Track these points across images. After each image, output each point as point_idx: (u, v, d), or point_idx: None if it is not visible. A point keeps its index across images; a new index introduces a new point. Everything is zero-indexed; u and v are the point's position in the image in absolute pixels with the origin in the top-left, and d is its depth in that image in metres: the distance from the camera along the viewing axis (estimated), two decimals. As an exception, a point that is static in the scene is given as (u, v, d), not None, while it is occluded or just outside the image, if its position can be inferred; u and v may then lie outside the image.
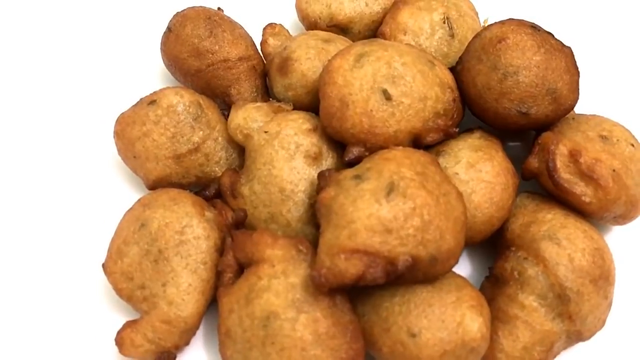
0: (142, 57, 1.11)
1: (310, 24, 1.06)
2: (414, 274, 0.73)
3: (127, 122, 0.91)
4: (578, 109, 0.94)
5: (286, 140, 0.86)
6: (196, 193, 0.91)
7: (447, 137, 0.86)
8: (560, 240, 0.79)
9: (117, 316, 0.85)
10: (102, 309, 0.87)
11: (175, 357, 0.80)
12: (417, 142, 0.85)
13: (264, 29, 1.05)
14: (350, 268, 0.70)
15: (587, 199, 0.81)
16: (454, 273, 0.80)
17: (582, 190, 0.81)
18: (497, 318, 0.80)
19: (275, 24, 1.06)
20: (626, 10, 1.22)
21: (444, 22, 0.98)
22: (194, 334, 0.81)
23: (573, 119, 0.91)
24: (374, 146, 0.83)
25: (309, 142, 0.86)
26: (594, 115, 0.92)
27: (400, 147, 0.81)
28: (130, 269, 0.81)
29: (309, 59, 0.93)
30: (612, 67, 1.14)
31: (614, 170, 0.81)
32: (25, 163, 1.00)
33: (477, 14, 1.06)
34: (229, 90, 0.99)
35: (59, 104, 1.07)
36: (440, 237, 0.72)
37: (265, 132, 0.87)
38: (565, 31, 1.00)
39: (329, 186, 0.78)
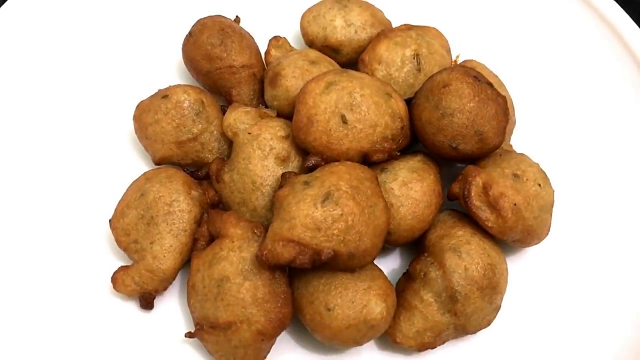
0: (167, 55, 1.34)
1: (308, 41, 1.27)
2: (335, 264, 0.96)
3: (144, 109, 1.14)
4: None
5: (263, 143, 1.08)
6: (191, 172, 1.14)
7: (391, 158, 1.06)
8: (461, 253, 1.00)
9: (117, 261, 1.10)
10: (106, 255, 1.12)
11: (154, 298, 1.05)
12: (365, 158, 1.05)
13: (270, 40, 1.26)
14: (285, 253, 0.93)
15: (490, 224, 1.01)
16: (374, 266, 1.02)
17: (486, 216, 1.01)
18: (402, 306, 1.02)
19: (280, 37, 1.27)
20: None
21: (414, 58, 1.17)
22: (170, 283, 1.06)
23: (500, 155, 1.10)
24: (329, 158, 1.04)
25: (281, 146, 1.08)
26: (520, 154, 1.11)
27: (347, 163, 1.02)
28: (128, 227, 1.05)
29: (294, 77, 1.14)
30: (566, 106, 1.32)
31: (515, 204, 1.01)
32: (59, 135, 1.25)
33: (448, 50, 1.24)
34: (231, 91, 1.21)
35: (93, 89, 1.31)
36: (359, 239, 0.94)
37: (249, 133, 1.09)
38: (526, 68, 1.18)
39: (286, 186, 1.00)
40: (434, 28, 1.24)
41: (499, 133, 1.05)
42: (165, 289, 1.06)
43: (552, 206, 1.08)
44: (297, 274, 1.02)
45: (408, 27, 1.22)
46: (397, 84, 1.16)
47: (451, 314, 0.99)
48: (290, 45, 1.27)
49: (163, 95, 1.14)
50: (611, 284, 1.12)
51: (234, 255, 0.97)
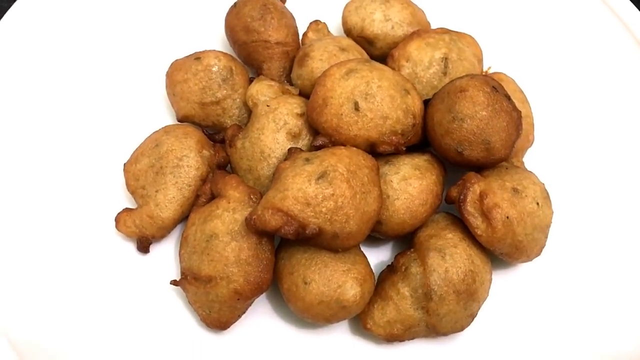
0: (212, 22, 1.39)
1: (347, 29, 1.30)
2: (319, 241, 0.99)
3: (176, 67, 1.21)
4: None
5: (278, 117, 1.12)
6: (208, 134, 1.20)
7: (397, 152, 1.08)
8: (445, 255, 1.01)
9: (127, 205, 1.17)
10: (119, 197, 1.19)
11: (150, 243, 1.11)
12: (372, 148, 1.08)
13: (310, 23, 1.31)
14: (272, 221, 0.97)
15: (479, 232, 1.02)
16: (359, 251, 1.05)
17: (477, 224, 1.03)
18: (378, 294, 1.05)
19: (320, 21, 1.31)
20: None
21: (442, 61, 1.19)
22: (167, 232, 1.12)
23: (506, 168, 1.11)
24: (337, 141, 1.07)
25: (294, 123, 1.12)
26: (527, 171, 1.11)
27: (352, 148, 1.05)
28: (138, 173, 1.12)
29: (321, 60, 1.18)
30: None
31: (507, 217, 1.02)
32: (100, 85, 1.33)
33: (480, 60, 1.25)
34: (262, 65, 1.26)
35: (135, 50, 1.39)
36: (345, 221, 0.97)
37: (268, 105, 1.14)
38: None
39: (288, 159, 1.04)
40: (470, 36, 1.25)
41: (507, 146, 1.06)
42: (162, 237, 1.12)
43: (547, 227, 1.08)
44: (284, 246, 1.06)
45: (444, 31, 1.24)
46: (421, 84, 1.18)
47: (424, 311, 1.01)
48: (328, 31, 1.31)
49: (196, 57, 1.20)
50: (601, 318, 1.12)
51: (227, 216, 1.02)
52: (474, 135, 1.04)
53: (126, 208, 1.12)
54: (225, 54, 1.21)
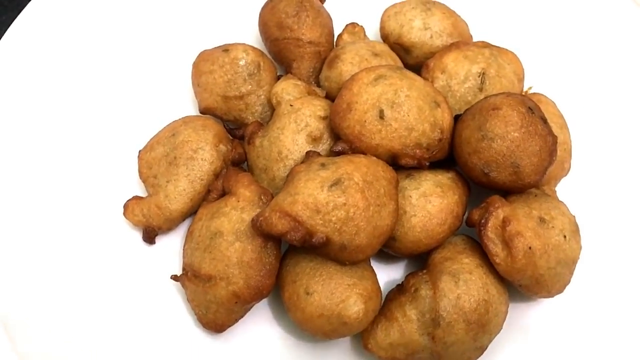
0: (246, 17, 1.34)
1: (384, 35, 1.25)
2: (326, 252, 0.94)
3: (204, 57, 1.17)
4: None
5: (300, 117, 1.08)
6: (229, 129, 1.16)
7: (420, 166, 1.03)
8: (459, 280, 0.95)
9: (138, 192, 1.15)
10: (132, 184, 1.16)
11: (156, 234, 1.08)
12: (394, 160, 1.03)
13: (346, 25, 1.26)
14: (279, 225, 0.92)
15: (498, 260, 0.96)
16: (368, 267, 1.00)
17: (496, 251, 0.96)
18: (384, 314, 0.99)
19: (357, 24, 1.27)
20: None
21: (479, 76, 1.13)
22: (175, 225, 1.08)
23: (535, 195, 1.04)
24: (357, 148, 1.02)
25: (316, 126, 1.07)
26: (558, 201, 1.04)
27: (372, 157, 1.00)
28: (152, 161, 1.09)
29: (351, 63, 1.13)
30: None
31: (530, 248, 0.95)
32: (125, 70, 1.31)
33: (521, 79, 1.18)
34: (292, 63, 1.22)
35: (167, 40, 1.36)
36: (355, 233, 0.92)
37: (291, 105, 1.10)
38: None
39: (304, 162, 1.00)
40: (512, 53, 1.19)
41: (538, 172, 0.99)
42: (169, 229, 1.09)
43: (573, 263, 1.01)
44: (290, 252, 1.01)
45: (485, 45, 1.17)
46: (454, 98, 1.13)
47: (429, 338, 0.95)
48: (365, 35, 1.27)
49: (225, 49, 1.16)
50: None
51: (235, 214, 0.98)
52: (503, 157, 0.98)
53: (136, 196, 1.09)
54: (254, 48, 1.18)
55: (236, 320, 1.00)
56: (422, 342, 0.96)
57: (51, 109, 1.22)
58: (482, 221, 0.98)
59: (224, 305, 0.96)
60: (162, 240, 1.11)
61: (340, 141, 1.03)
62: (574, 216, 1.03)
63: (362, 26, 1.27)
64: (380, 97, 1.01)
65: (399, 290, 1.01)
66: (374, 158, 1.00)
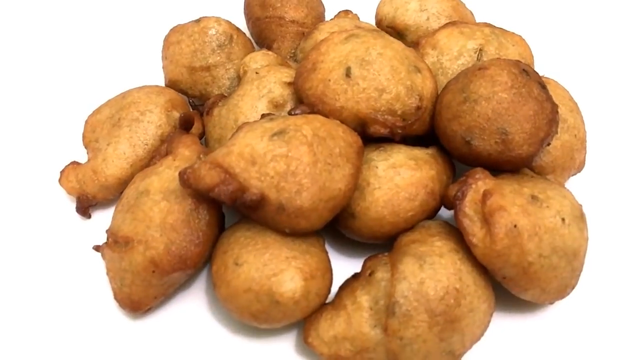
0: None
1: (377, 21, 1.13)
2: (262, 214, 0.78)
3: (175, 30, 1.08)
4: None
5: (264, 84, 0.95)
6: (194, 105, 1.05)
7: (391, 135, 0.87)
8: (424, 263, 0.76)
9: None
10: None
11: (90, 204, 0.95)
12: (363, 129, 0.88)
13: (339, 12, 1.16)
14: (207, 177, 0.78)
15: (474, 240, 0.77)
16: (318, 243, 0.83)
17: (473, 230, 0.77)
18: (332, 303, 0.81)
19: (351, 11, 1.15)
20: None
21: (475, 52, 0.98)
22: (111, 195, 0.95)
23: (532, 177, 0.86)
24: (320, 112, 0.88)
25: (280, 92, 0.94)
26: (562, 187, 0.85)
27: (333, 120, 0.85)
28: (96, 124, 0.98)
29: (329, 32, 1.01)
30: None
31: (515, 226, 0.76)
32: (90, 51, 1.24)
33: (529, 63, 1.02)
34: (272, 44, 1.11)
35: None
36: (296, 192, 0.76)
37: (257, 72, 0.98)
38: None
39: (256, 122, 0.86)
40: (519, 36, 1.03)
41: (532, 141, 0.81)
42: (104, 198, 0.95)
43: (575, 256, 0.80)
44: (231, 225, 0.86)
45: (487, 25, 1.03)
46: (445, 76, 0.97)
47: (382, 331, 0.75)
48: (359, 21, 1.15)
49: (197, 19, 1.07)
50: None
51: (167, 173, 0.85)
52: (488, 120, 0.81)
53: (74, 161, 0.97)
54: (230, 22, 1.08)
55: (155, 299, 0.83)
56: (373, 336, 0.76)
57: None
58: (459, 194, 0.80)
59: (139, 275, 0.80)
60: (98, 214, 0.97)
61: (301, 105, 0.90)
62: (579, 204, 0.83)
63: (356, 14, 1.16)
64: (350, 54, 0.88)
65: (354, 276, 0.83)
66: (336, 121, 0.85)
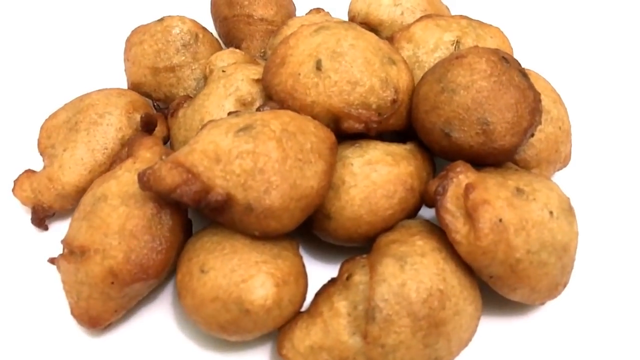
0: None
1: (350, 18, 1.09)
2: (229, 217, 0.72)
3: (137, 30, 1.02)
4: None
5: (231, 82, 0.90)
6: (158, 108, 0.99)
7: (366, 130, 0.82)
8: (406, 264, 0.71)
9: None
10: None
11: (47, 215, 0.88)
12: (336, 125, 0.82)
13: (310, 10, 1.11)
14: (168, 178, 0.72)
15: (458, 237, 0.72)
16: (291, 247, 0.77)
17: (455, 226, 0.72)
18: (308, 310, 0.75)
19: (322, 9, 1.11)
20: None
21: (452, 44, 0.93)
22: (69, 204, 0.88)
23: (516, 170, 0.81)
24: (290, 108, 0.82)
25: (247, 90, 0.89)
26: (548, 180, 0.80)
27: (304, 115, 0.80)
28: (52, 129, 0.91)
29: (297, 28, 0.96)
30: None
31: (500, 220, 0.71)
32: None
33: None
34: (241, 43, 1.06)
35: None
36: (265, 191, 0.71)
37: (223, 71, 0.92)
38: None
39: (221, 118, 0.80)
40: (497, 28, 0.99)
41: (514, 132, 0.77)
42: (62, 207, 0.89)
43: (564, 251, 0.75)
44: (198, 231, 0.80)
45: (463, 17, 0.99)
46: (422, 70, 0.92)
47: (362, 338, 0.69)
48: (331, 17, 1.10)
49: (160, 19, 1.01)
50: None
51: (126, 176, 0.78)
52: (467, 111, 0.77)
53: (28, 169, 0.91)
54: (195, 21, 1.02)
55: (116, 313, 0.77)
56: (352, 345, 0.70)
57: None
58: (439, 189, 0.74)
59: (97, 287, 0.74)
60: (56, 225, 0.90)
61: (270, 101, 0.84)
62: (567, 197, 0.78)
63: (327, 12, 1.11)
64: (320, 46, 0.83)
65: (331, 281, 0.77)
66: (307, 116, 0.80)
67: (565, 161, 0.92)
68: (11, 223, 0.91)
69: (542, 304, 0.79)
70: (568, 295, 0.80)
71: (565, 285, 0.78)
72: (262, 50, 1.05)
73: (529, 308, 0.82)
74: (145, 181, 0.73)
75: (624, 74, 1.12)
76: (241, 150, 0.71)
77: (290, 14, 1.10)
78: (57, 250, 0.84)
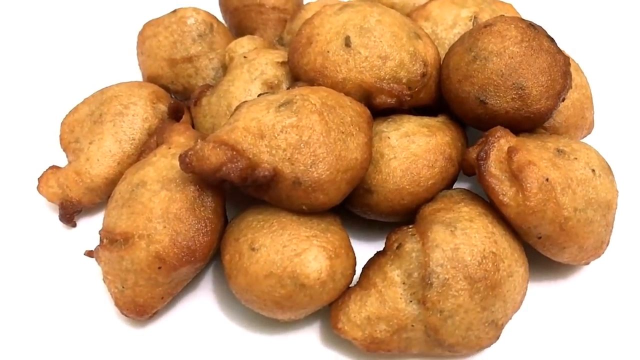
0: None
1: (362, 3, 1.09)
2: (276, 193, 0.72)
3: (150, 24, 1.01)
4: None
5: (255, 66, 0.89)
6: (176, 102, 0.98)
7: (399, 104, 0.82)
8: (456, 229, 0.71)
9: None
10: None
11: (75, 210, 0.86)
12: (368, 101, 0.82)
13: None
14: (213, 157, 0.71)
15: (506, 200, 0.72)
16: (335, 221, 0.76)
17: (502, 189, 0.72)
18: (359, 283, 0.74)
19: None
20: None
21: (470, 20, 0.94)
22: (99, 197, 0.87)
23: (550, 134, 0.82)
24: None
25: (273, 73, 0.88)
26: (582, 142, 0.81)
27: (337, 92, 0.79)
28: (74, 123, 0.90)
29: (315, 11, 0.96)
30: None
31: (547, 180, 0.71)
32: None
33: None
34: (254, 33, 1.05)
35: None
36: (312, 164, 0.70)
37: (245, 57, 0.92)
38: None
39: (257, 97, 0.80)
40: (510, 4, 1.00)
41: (549, 95, 0.78)
42: (91, 202, 0.87)
43: (608, 209, 0.76)
44: (239, 212, 0.78)
45: (476, -6, 1.00)
46: (442, 47, 0.93)
47: (420, 304, 0.69)
48: None
49: (173, 10, 1.00)
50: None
51: (163, 162, 0.77)
52: (502, 77, 0.77)
53: (53, 166, 0.88)
54: (207, 12, 1.02)
55: (162, 301, 0.75)
56: (410, 313, 0.69)
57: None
58: (482, 154, 0.75)
59: (144, 274, 0.72)
60: (84, 221, 0.88)
61: (299, 82, 0.84)
62: (603, 159, 0.79)
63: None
64: (346, 23, 0.83)
65: (378, 254, 0.76)
66: (340, 93, 0.80)
67: (590, 128, 0.93)
68: (38, 222, 0.88)
69: (587, 263, 0.79)
70: (608, 257, 0.81)
71: (608, 244, 0.79)
72: (276, 39, 1.05)
73: (569, 272, 0.82)
74: (187, 162, 0.72)
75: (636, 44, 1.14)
76: (285, 124, 0.71)
77: (301, 2, 1.10)
78: (88, 246, 0.83)
